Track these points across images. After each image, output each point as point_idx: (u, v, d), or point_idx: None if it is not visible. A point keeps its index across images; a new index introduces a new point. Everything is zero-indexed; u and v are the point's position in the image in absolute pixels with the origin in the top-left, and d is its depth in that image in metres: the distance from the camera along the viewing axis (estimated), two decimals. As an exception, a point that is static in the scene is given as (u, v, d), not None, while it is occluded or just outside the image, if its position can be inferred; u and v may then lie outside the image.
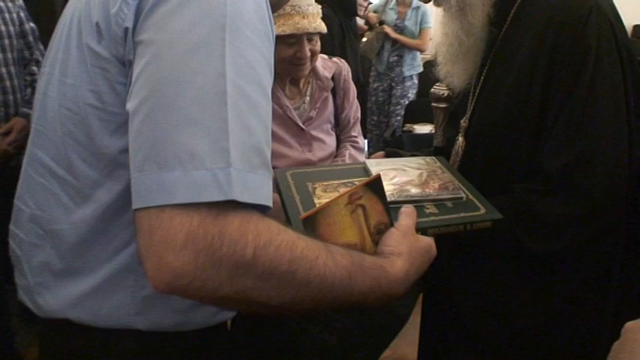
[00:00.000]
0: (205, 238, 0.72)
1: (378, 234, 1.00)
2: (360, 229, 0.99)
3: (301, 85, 2.27)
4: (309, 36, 2.13)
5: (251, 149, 0.78)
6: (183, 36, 0.78)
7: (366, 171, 1.31)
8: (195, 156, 0.74)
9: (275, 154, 2.23)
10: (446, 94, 1.47)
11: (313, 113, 2.27)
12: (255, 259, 0.75)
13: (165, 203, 0.73)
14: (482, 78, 1.42)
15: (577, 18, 1.24)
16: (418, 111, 4.73)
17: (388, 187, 1.17)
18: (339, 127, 2.37)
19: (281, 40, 2.09)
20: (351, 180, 1.27)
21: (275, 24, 2.07)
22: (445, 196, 1.14)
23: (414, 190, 1.18)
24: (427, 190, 1.17)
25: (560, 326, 1.34)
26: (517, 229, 1.29)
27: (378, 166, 1.30)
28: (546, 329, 1.34)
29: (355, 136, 2.41)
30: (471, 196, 1.18)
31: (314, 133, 2.28)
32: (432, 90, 1.51)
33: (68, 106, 0.94)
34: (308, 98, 2.28)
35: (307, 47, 2.13)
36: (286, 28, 2.08)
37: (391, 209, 1.03)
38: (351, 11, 3.58)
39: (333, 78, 2.30)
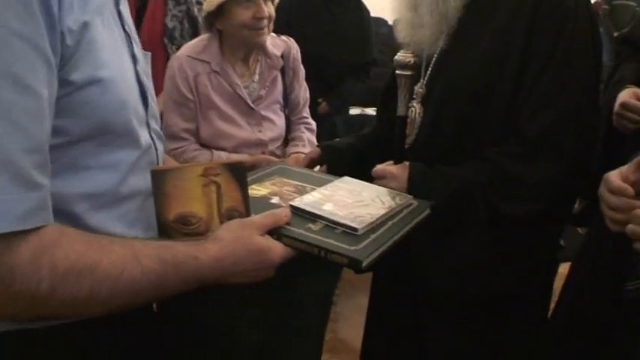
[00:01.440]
0: None
1: (228, 219, 1.00)
2: (210, 206, 1.00)
3: (250, 62, 2.22)
4: None
5: None
6: None
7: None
8: None
9: (225, 135, 2.18)
10: (412, 62, 1.46)
11: (263, 92, 2.23)
12: (53, 291, 0.75)
13: None
14: (440, 43, 1.42)
15: None
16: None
17: (314, 195, 1.17)
18: (289, 108, 2.34)
19: (237, 1, 2.04)
20: (309, 185, 1.26)
21: None
22: (342, 222, 1.06)
23: (326, 207, 1.11)
24: (338, 212, 1.10)
25: (528, 288, 1.38)
26: (491, 194, 1.31)
27: (346, 184, 1.25)
28: (516, 291, 1.38)
29: (307, 117, 2.39)
30: (373, 236, 1.06)
31: (264, 112, 2.24)
32: (397, 57, 1.49)
33: None
34: (257, 77, 2.23)
35: (265, 8, 2.08)
36: None
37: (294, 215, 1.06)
38: None
39: (282, 57, 2.26)
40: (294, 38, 2.38)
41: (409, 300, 1.56)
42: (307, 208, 1.10)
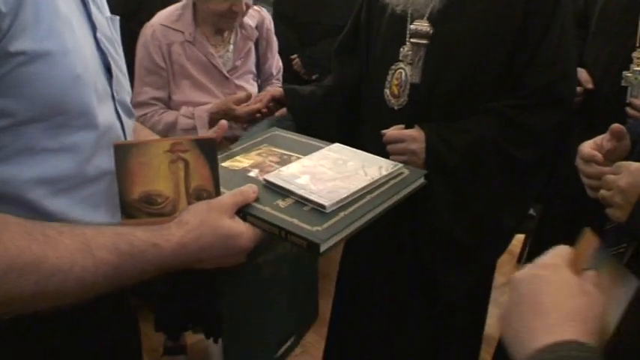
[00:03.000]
0: None
1: (196, 199, 0.94)
2: (177, 184, 0.94)
3: (225, 33, 2.21)
4: None
5: None
6: None
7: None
8: None
9: (198, 104, 2.17)
10: (431, 32, 1.56)
11: (238, 62, 2.23)
12: None
13: None
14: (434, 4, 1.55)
15: None
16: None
17: (293, 166, 1.10)
18: (262, 78, 2.36)
19: None
20: (296, 154, 1.20)
21: None
22: (311, 198, 0.98)
23: (300, 181, 1.04)
24: (312, 186, 1.02)
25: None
26: (504, 142, 1.50)
27: (334, 152, 1.18)
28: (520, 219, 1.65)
29: (278, 83, 2.42)
30: (343, 214, 0.97)
31: (238, 82, 2.24)
32: (413, 26, 1.56)
33: None
34: (232, 47, 2.23)
35: (243, 1, 2.08)
36: None
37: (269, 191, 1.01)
38: None
39: (256, 27, 2.27)
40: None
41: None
42: (279, 183, 1.03)
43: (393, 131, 1.57)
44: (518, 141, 1.51)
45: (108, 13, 1.01)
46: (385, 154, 1.49)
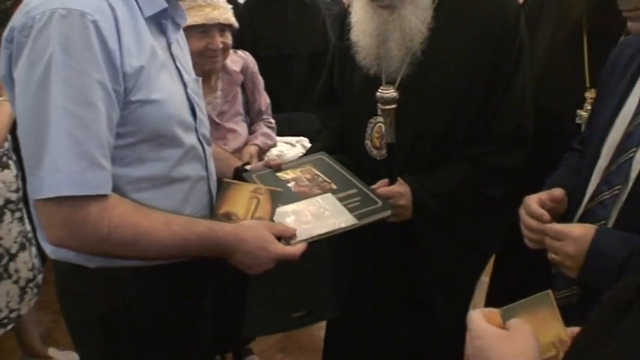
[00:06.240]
0: (75, 222, 1.11)
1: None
2: (247, 212, 1.41)
3: (212, 81, 2.35)
4: (221, 28, 2.21)
5: (79, 156, 1.09)
6: (26, 82, 1.10)
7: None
8: (41, 167, 1.09)
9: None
10: (397, 97, 1.67)
11: (225, 107, 2.38)
12: (109, 235, 1.14)
13: (40, 197, 1.10)
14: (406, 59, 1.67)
15: (514, 16, 1.64)
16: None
17: (288, 207, 1.47)
18: (252, 116, 2.51)
19: (192, 30, 2.12)
20: (325, 178, 1.63)
21: (188, 15, 2.10)
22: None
23: (288, 220, 1.42)
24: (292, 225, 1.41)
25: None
26: (479, 184, 1.68)
27: (323, 201, 1.53)
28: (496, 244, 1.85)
29: (268, 117, 2.58)
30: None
31: (228, 125, 2.40)
32: (379, 94, 1.67)
33: None
34: (220, 93, 2.37)
35: (219, 39, 2.20)
36: (198, 19, 2.14)
37: None
38: None
39: (241, 72, 2.41)
40: (249, 45, 2.47)
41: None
42: (275, 219, 1.43)
43: (381, 189, 1.68)
44: (492, 181, 1.68)
45: (194, 76, 1.45)
46: None
